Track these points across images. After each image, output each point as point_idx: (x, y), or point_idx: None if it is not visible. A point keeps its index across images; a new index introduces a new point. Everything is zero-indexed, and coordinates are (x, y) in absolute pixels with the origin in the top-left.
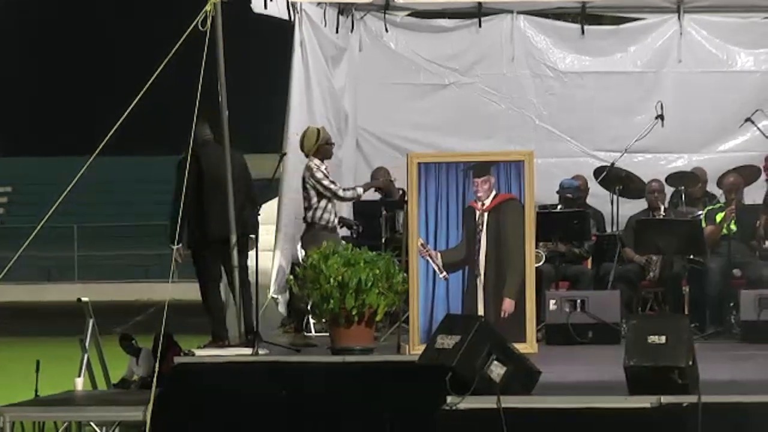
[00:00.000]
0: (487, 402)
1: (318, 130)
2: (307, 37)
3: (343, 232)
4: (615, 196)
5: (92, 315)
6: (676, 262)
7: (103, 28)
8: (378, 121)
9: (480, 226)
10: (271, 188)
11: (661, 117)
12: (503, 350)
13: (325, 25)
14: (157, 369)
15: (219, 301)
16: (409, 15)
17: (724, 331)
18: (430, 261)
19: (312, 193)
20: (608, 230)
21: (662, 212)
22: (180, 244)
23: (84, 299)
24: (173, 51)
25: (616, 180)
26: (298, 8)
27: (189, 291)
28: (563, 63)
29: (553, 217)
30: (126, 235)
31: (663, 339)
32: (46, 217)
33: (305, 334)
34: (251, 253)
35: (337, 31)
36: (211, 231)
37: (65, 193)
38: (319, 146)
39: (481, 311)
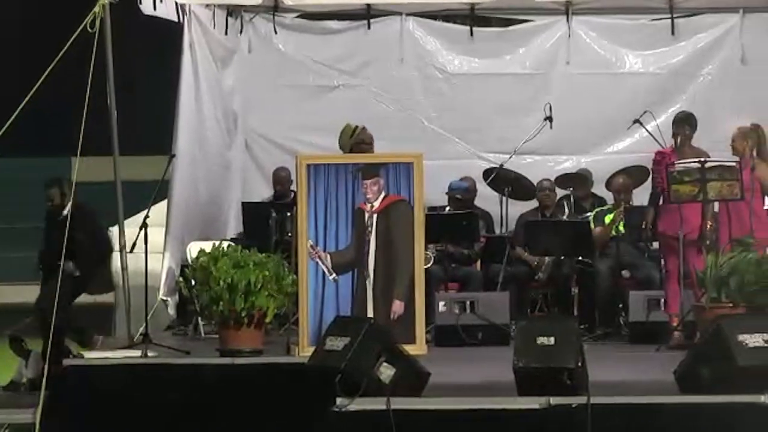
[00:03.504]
0: (377, 403)
1: (355, 128)
2: (196, 39)
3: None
4: (504, 198)
5: None
6: (565, 264)
7: None
8: (267, 122)
9: (369, 228)
10: (160, 190)
11: (549, 119)
12: (392, 352)
13: (214, 27)
14: (46, 371)
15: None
16: (298, 17)
17: (613, 332)
18: (320, 263)
19: None
20: (497, 231)
21: (552, 211)
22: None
23: None
24: (62, 53)
25: (505, 181)
26: (187, 10)
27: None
28: (452, 65)
29: (442, 219)
30: (18, 237)
31: (552, 340)
32: None
33: None
34: (141, 255)
35: (226, 33)
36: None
37: None
38: (354, 145)
39: (370, 313)
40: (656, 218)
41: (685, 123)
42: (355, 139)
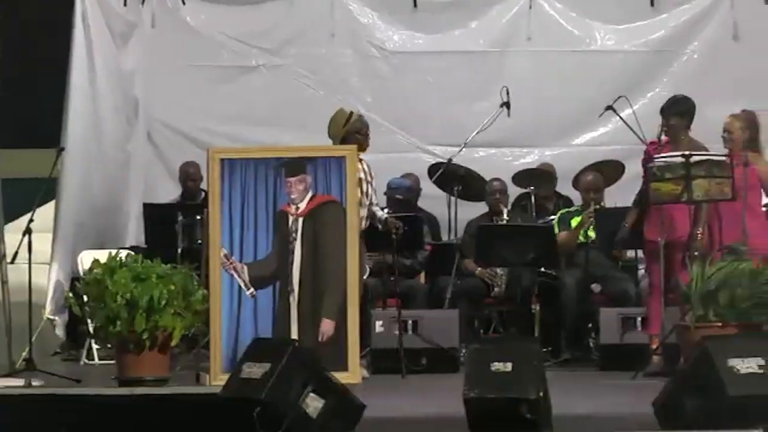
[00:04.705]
0: None
1: (350, 114)
2: (90, 11)
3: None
4: (452, 198)
5: None
6: (524, 276)
7: None
8: (174, 109)
9: (294, 234)
10: (47, 189)
11: (506, 104)
12: (321, 380)
13: None
14: None
15: None
16: None
17: (582, 356)
18: (235, 275)
19: None
20: (445, 238)
21: (505, 216)
22: None
23: None
24: None
25: (453, 179)
26: None
27: None
28: (392, 41)
29: None
30: None
31: (509, 366)
32: None
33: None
34: (24, 267)
35: (125, 4)
36: None
37: None
38: (347, 135)
39: (294, 334)
40: (642, 222)
41: (671, 110)
42: (349, 128)
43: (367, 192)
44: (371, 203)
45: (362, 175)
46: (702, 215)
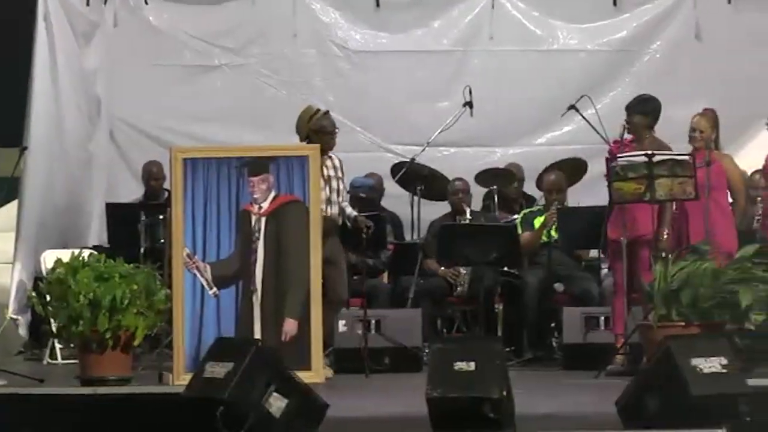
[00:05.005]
0: None
1: (316, 111)
2: (53, 10)
3: None
4: (415, 198)
5: None
6: (487, 275)
7: None
8: (136, 108)
9: (257, 234)
10: (10, 189)
11: (469, 104)
12: (284, 380)
13: None
14: None
15: None
16: None
17: (545, 355)
18: (198, 275)
19: None
20: (408, 237)
21: (468, 216)
22: None
23: None
24: None
25: (416, 178)
26: None
27: None
28: (354, 41)
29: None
30: None
31: (472, 365)
32: None
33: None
34: None
35: (88, 4)
36: None
37: None
38: (311, 132)
39: (257, 334)
40: (607, 222)
41: (636, 108)
42: (312, 125)
43: (338, 189)
44: (342, 200)
45: (332, 172)
46: (667, 215)
